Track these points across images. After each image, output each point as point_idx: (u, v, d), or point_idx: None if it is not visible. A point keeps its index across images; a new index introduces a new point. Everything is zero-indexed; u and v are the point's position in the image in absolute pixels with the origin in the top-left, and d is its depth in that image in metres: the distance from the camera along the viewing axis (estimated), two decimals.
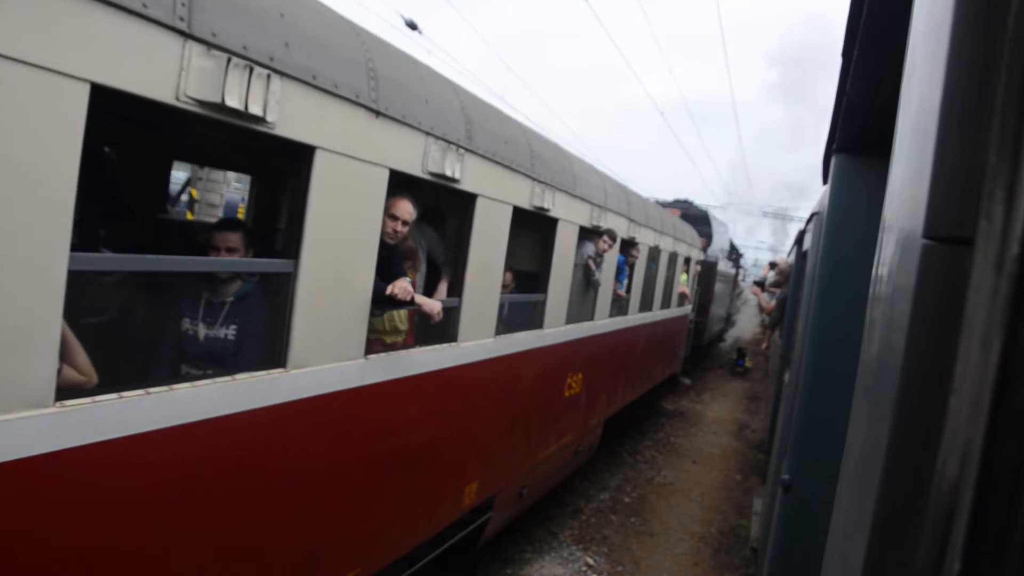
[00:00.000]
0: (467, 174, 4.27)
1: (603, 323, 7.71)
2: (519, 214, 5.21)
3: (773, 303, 11.23)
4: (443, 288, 4.64)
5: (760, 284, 13.33)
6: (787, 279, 10.39)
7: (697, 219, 19.30)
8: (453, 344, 4.47)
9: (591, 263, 6.93)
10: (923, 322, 0.70)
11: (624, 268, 8.53)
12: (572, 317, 6.69)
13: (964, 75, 0.66)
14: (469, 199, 4.45)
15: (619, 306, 8.72)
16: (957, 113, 0.67)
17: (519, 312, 6.03)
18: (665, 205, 18.51)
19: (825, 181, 4.09)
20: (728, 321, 29.05)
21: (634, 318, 9.32)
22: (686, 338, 15.51)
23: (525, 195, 5.12)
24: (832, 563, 1.13)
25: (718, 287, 20.78)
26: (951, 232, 0.66)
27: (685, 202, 20.90)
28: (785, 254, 19.10)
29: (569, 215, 6.06)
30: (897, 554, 0.70)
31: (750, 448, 12.99)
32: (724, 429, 14.43)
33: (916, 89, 0.87)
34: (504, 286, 5.94)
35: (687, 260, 13.28)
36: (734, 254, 28.10)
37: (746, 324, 37.72)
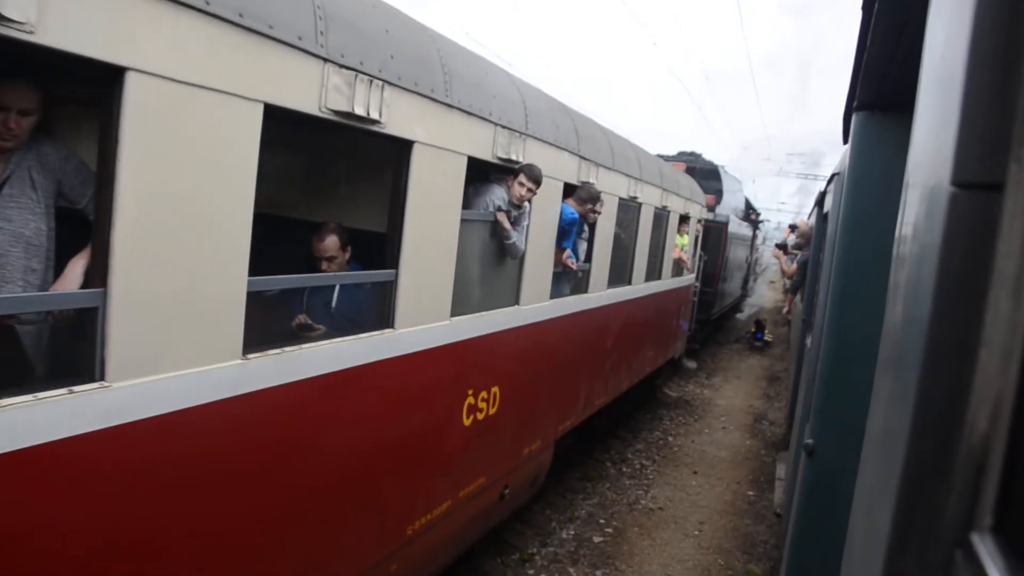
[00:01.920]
0: (87, 25, 1.91)
1: (537, 309, 5.31)
2: (310, 129, 2.85)
3: (795, 266, 10.18)
4: (76, 269, 2.24)
5: (782, 247, 12.38)
6: (808, 241, 9.20)
7: (705, 174, 16.86)
8: (88, 388, 2.12)
9: (503, 219, 4.53)
10: (951, 272, 0.68)
11: (576, 228, 6.09)
12: (469, 303, 4.32)
13: (993, 14, 0.64)
14: (110, 79, 2.08)
15: (572, 282, 6.32)
16: (986, 55, 0.65)
17: (353, 304, 3.68)
18: (668, 159, 15.83)
19: (845, 140, 3.96)
20: (745, 290, 25.64)
21: (599, 296, 6.87)
22: (690, 314, 12.92)
23: (306, 89, 2.74)
24: (858, 524, 1.09)
25: (731, 251, 17.66)
26: (980, 178, 0.64)
27: (691, 154, 18.23)
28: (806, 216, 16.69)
29: (439, 138, 3.65)
30: (926, 511, 0.69)
31: (767, 448, 10.59)
32: (736, 422, 11.93)
33: (942, 33, 0.83)
34: (327, 259, 3.60)
35: (685, 218, 10.59)
36: (752, 214, 24.99)
37: (767, 292, 34.08)
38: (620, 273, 7.61)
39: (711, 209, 15.03)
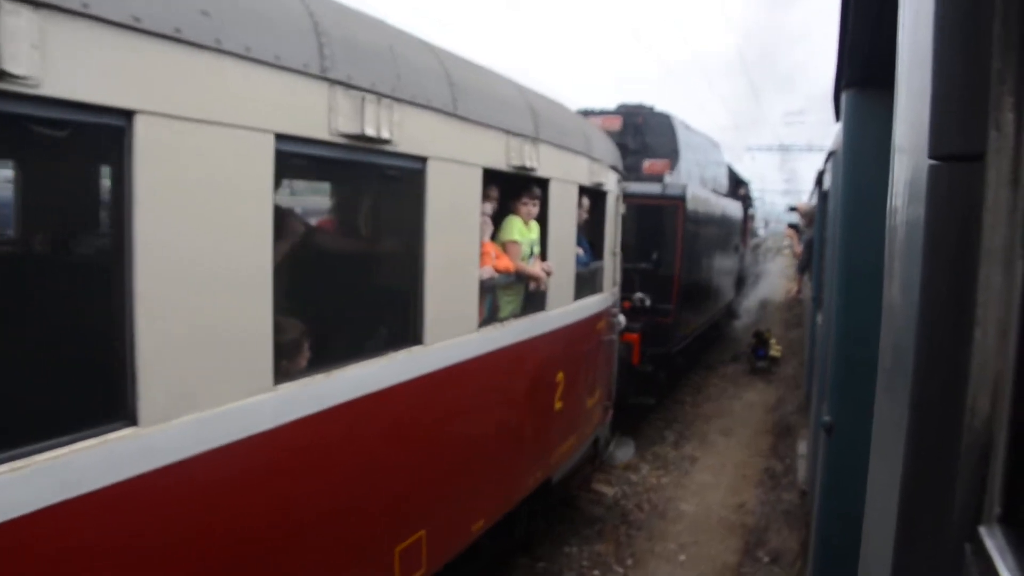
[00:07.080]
0: None
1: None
2: None
3: (800, 247, 10.35)
4: None
5: (794, 227, 12.18)
6: (811, 221, 9.47)
7: (654, 129, 11.47)
8: None
9: None
10: (938, 250, 0.65)
11: None
12: None
13: None
14: None
15: None
16: (955, 19, 0.62)
17: None
18: (599, 114, 11.35)
19: (838, 118, 4.05)
20: (738, 293, 18.10)
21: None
22: (611, 367, 7.17)
23: None
24: (871, 516, 1.02)
25: (702, 243, 11.59)
26: (959, 148, 0.62)
27: (636, 107, 11.97)
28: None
29: None
30: (932, 504, 0.65)
31: None
32: (707, 563, 5.99)
33: (913, 4, 0.82)
34: None
35: (533, 184, 4.86)
36: (741, 188, 18.56)
37: (778, 283, 24.69)
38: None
39: (659, 179, 10.54)
